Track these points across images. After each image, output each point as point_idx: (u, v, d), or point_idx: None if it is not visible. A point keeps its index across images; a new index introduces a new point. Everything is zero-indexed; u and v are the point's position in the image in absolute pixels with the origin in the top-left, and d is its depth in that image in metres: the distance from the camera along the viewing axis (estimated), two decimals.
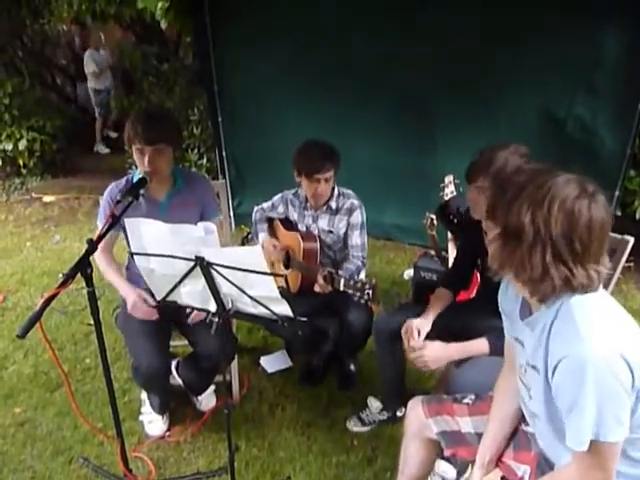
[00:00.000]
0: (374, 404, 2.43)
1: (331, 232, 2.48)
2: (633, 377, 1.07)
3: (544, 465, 1.36)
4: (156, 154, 2.02)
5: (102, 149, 7.13)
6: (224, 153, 4.38)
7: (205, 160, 5.26)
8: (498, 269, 1.20)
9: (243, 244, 2.86)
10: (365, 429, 2.40)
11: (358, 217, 2.46)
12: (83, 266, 1.48)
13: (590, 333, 1.09)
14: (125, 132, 2.07)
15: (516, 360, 1.37)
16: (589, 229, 1.07)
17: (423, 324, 1.99)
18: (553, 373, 1.14)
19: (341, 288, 2.06)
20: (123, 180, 2.22)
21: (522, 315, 1.32)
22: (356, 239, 2.48)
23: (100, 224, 2.16)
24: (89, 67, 6.82)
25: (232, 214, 4.32)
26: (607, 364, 1.06)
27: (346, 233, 2.49)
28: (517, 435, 1.49)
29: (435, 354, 1.90)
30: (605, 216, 1.10)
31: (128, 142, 2.06)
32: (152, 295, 1.84)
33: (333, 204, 2.47)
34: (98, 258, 2.17)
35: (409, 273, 3.76)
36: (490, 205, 1.20)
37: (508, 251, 1.14)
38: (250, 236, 2.86)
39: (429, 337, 1.99)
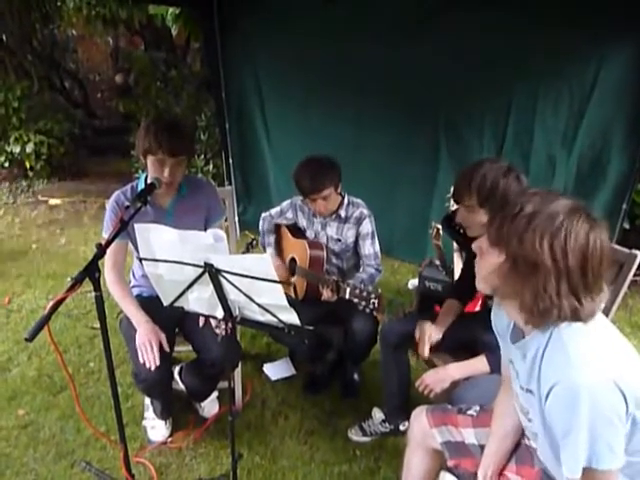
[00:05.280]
0: (377, 414, 2.41)
1: (339, 240, 2.47)
2: (627, 404, 1.06)
3: None
4: (176, 165, 2.03)
5: None
6: (230, 160, 4.40)
7: (211, 166, 5.29)
8: (498, 295, 1.19)
9: (248, 250, 2.85)
10: (366, 439, 2.39)
11: (367, 226, 2.43)
12: (91, 271, 1.48)
13: (581, 360, 1.09)
14: (142, 141, 1.99)
15: (511, 384, 1.38)
16: (601, 260, 1.09)
17: (435, 331, 2.02)
18: (546, 399, 1.13)
19: (347, 297, 2.06)
20: (128, 187, 2.19)
21: (513, 338, 1.32)
22: (368, 248, 2.45)
23: (106, 234, 2.10)
24: None
25: (237, 220, 4.33)
26: (599, 391, 1.05)
27: (356, 242, 2.47)
28: (520, 449, 1.48)
29: (435, 377, 1.91)
30: (609, 245, 1.12)
31: (145, 152, 2.00)
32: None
33: (342, 213, 2.45)
34: (111, 284, 2.11)
35: (413, 283, 3.76)
36: (493, 233, 1.17)
37: (517, 280, 1.13)
38: (254, 242, 2.86)
39: (438, 349, 1.99)
